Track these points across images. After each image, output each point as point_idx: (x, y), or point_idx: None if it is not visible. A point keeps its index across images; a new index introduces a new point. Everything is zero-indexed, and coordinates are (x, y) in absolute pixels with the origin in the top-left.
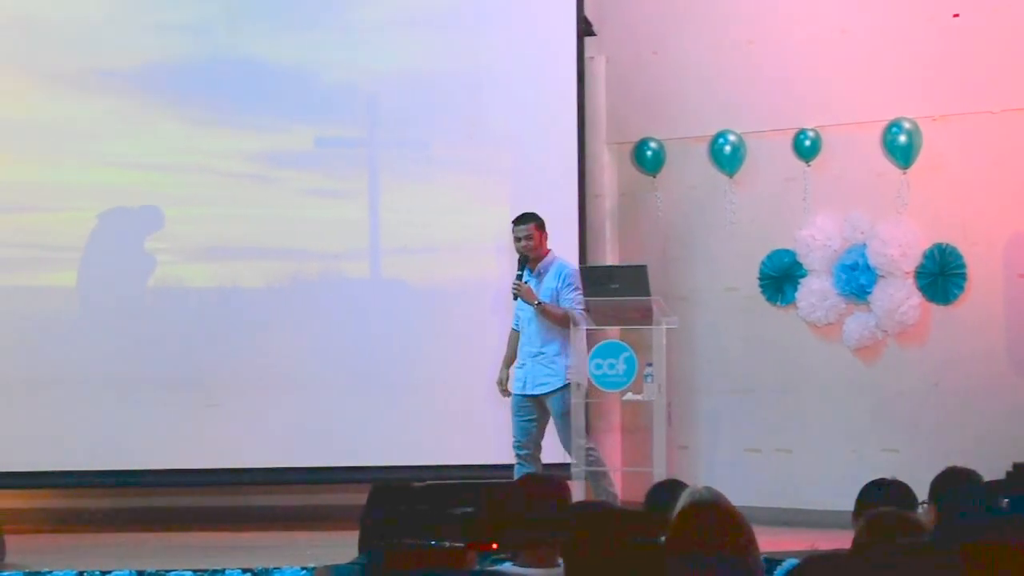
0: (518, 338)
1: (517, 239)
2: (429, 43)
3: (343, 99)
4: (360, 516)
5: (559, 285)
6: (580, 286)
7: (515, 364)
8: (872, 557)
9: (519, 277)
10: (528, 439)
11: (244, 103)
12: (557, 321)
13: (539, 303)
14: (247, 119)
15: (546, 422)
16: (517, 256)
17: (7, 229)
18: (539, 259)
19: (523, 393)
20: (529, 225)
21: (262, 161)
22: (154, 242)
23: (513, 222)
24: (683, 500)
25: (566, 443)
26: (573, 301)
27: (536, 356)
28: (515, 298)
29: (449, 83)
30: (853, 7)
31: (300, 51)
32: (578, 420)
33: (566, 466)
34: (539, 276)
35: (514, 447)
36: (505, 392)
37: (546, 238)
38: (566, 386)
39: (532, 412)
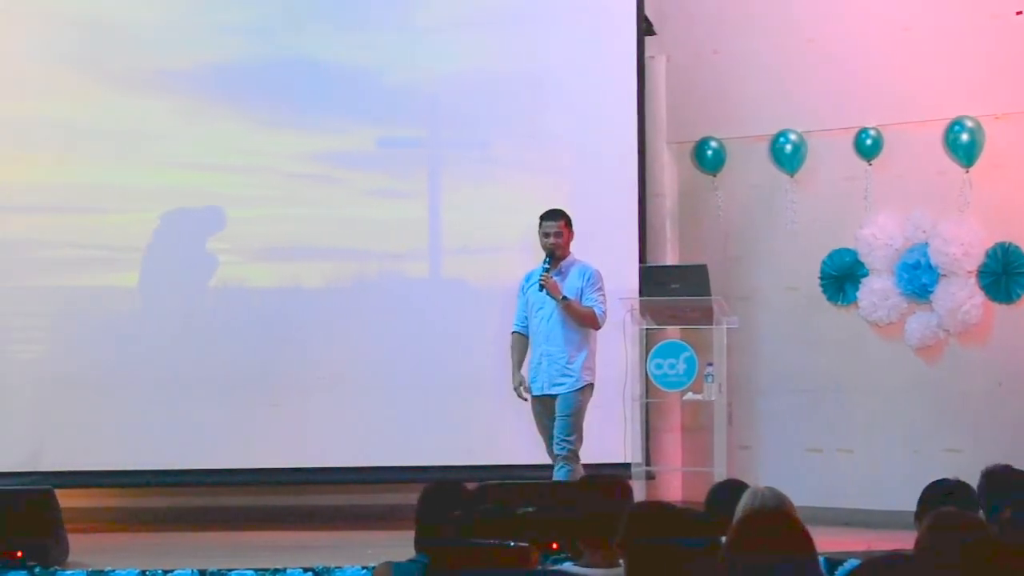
0: (523, 341)
1: (546, 235)
2: (489, 43)
3: (404, 100)
4: (414, 515)
5: (583, 284)
6: (603, 288)
7: (528, 365)
8: (935, 558)
9: (546, 271)
10: None
11: (306, 104)
12: (580, 319)
13: (564, 298)
14: (309, 120)
15: None
16: (547, 253)
17: (71, 230)
18: (563, 258)
19: (542, 394)
20: (560, 222)
21: (323, 162)
22: (216, 242)
23: (543, 217)
24: (745, 500)
25: (559, 440)
26: (596, 301)
27: (554, 356)
28: (540, 289)
29: (509, 83)
30: (916, 5)
31: (361, 52)
32: (580, 421)
33: (627, 466)
34: (561, 274)
35: (549, 452)
36: (524, 397)
37: (572, 237)
38: (580, 388)
39: (555, 412)
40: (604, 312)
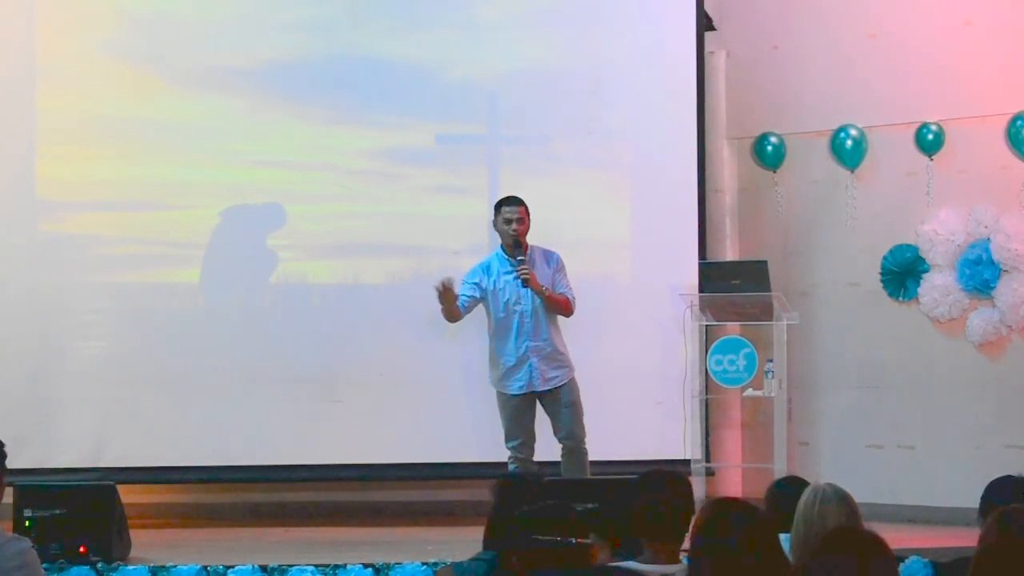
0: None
1: (508, 221)
2: (549, 39)
3: (464, 96)
4: (489, 512)
5: (553, 270)
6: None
7: (502, 364)
8: (1000, 555)
9: (521, 262)
10: (531, 438)
11: (366, 101)
12: (558, 308)
13: (547, 291)
14: (369, 116)
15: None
16: (511, 241)
17: (134, 226)
18: (526, 246)
19: (527, 392)
20: (521, 207)
21: (384, 158)
22: (277, 239)
23: (504, 203)
24: (806, 496)
25: (571, 429)
26: (567, 287)
27: (542, 350)
28: (523, 285)
29: (569, 79)
30: None
31: (421, 49)
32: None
33: (686, 462)
34: (529, 263)
35: (513, 448)
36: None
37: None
38: (573, 376)
39: (534, 409)
40: (574, 297)
